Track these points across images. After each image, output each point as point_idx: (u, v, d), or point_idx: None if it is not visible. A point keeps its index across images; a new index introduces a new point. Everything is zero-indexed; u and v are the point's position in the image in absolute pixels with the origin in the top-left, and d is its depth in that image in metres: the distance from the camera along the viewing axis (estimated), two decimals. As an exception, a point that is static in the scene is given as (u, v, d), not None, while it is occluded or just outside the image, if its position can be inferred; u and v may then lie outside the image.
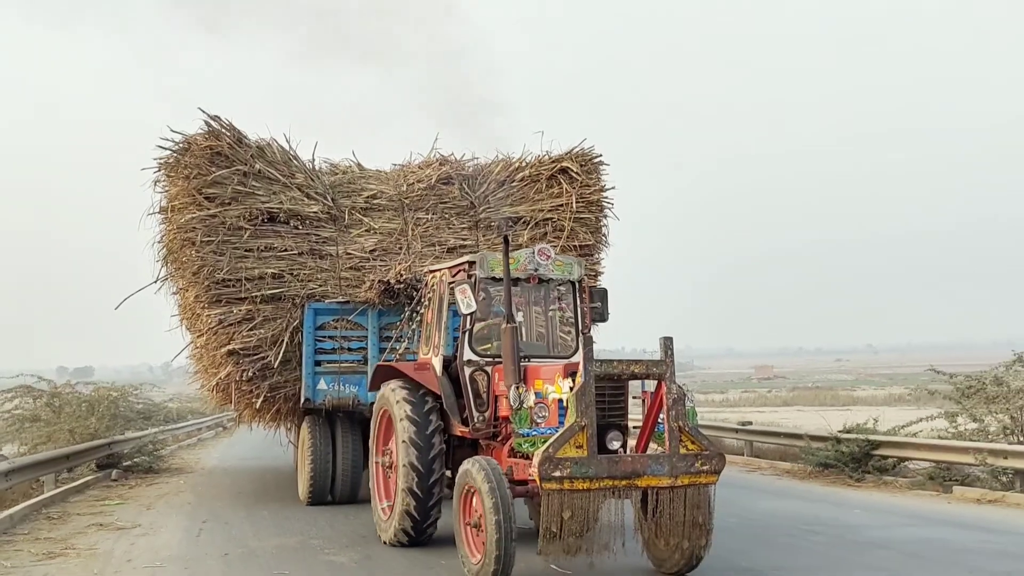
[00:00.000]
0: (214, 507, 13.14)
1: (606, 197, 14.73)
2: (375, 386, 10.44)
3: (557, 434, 7.41)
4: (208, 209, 12.94)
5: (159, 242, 15.05)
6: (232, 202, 13.05)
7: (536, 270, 9.29)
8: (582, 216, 14.37)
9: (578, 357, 9.42)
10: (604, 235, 14.72)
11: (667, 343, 7.74)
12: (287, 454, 16.71)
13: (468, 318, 9.15)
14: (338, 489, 13.24)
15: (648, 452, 7.85)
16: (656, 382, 7.80)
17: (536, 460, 7.30)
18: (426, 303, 10.42)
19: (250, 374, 12.95)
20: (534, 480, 7.98)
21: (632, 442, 8.30)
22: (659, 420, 7.84)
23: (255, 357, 12.95)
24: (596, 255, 14.59)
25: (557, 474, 7.24)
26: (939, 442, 14.05)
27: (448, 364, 9.65)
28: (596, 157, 14.79)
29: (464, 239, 14.05)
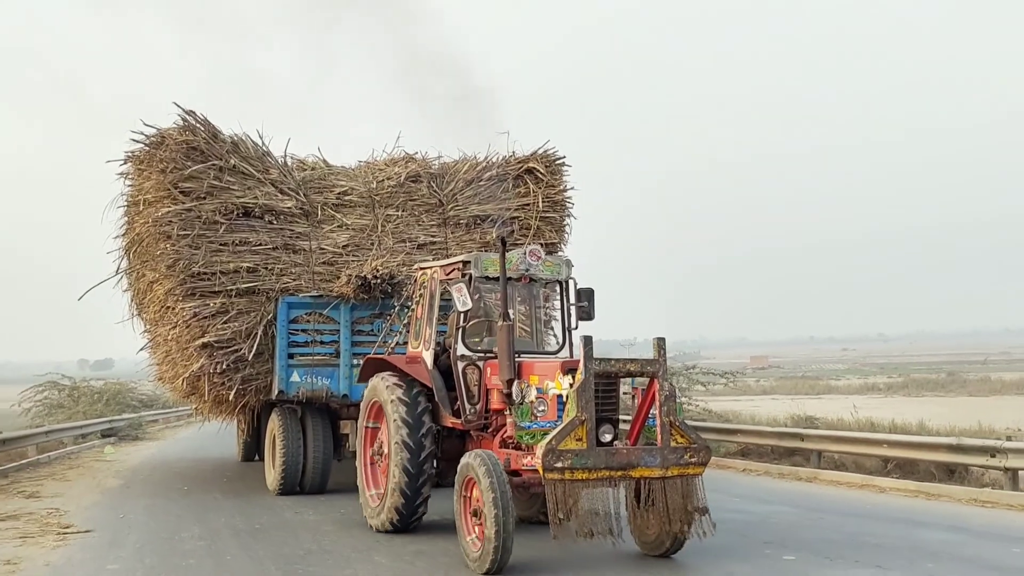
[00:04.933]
0: (167, 455, 20.16)
1: (569, 198, 15.26)
2: (364, 378, 10.72)
3: (559, 427, 7.84)
4: (184, 203, 13.03)
5: (123, 235, 15.11)
6: (207, 196, 13.16)
7: (527, 270, 9.70)
8: (547, 215, 14.86)
9: (565, 353, 9.96)
10: (567, 234, 15.24)
11: (660, 343, 8.24)
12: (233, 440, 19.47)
13: (462, 315, 9.53)
14: (308, 480, 13.45)
15: (639, 445, 8.32)
16: (648, 379, 8.28)
17: (539, 452, 7.74)
18: (416, 299, 10.74)
19: (223, 367, 13.04)
20: (529, 470, 8.47)
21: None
22: (650, 415, 8.33)
23: (229, 350, 13.06)
24: (559, 253, 15.07)
25: (559, 465, 7.69)
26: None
27: (437, 357, 10.01)
28: (560, 159, 15.30)
29: (433, 236, 14.38)
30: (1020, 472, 12.02)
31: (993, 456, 12.16)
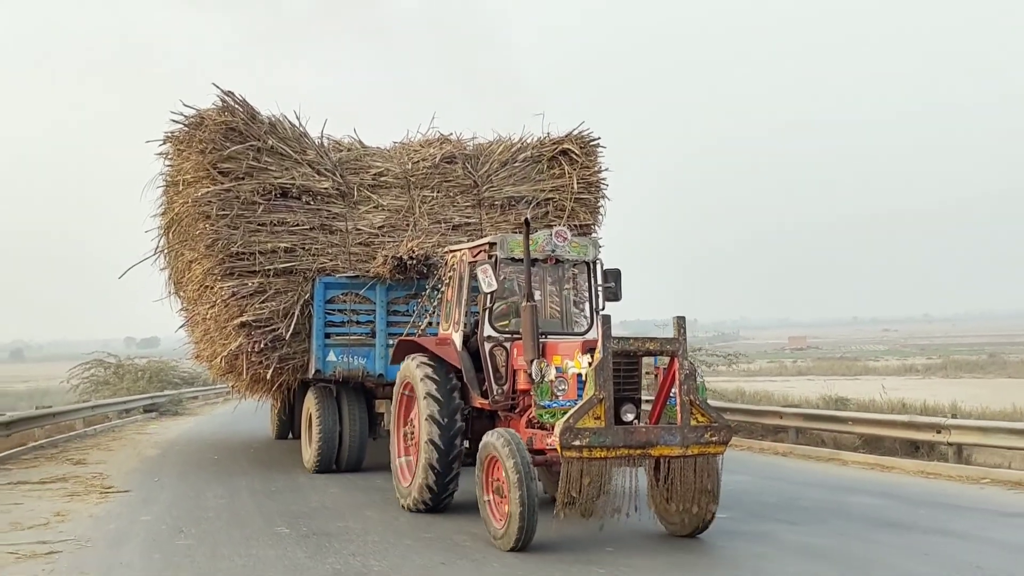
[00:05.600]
0: (202, 429, 21.47)
1: (603, 179, 15.26)
2: (397, 359, 10.85)
3: (577, 406, 7.91)
4: (223, 183, 13.25)
5: (161, 214, 15.39)
6: (246, 177, 13.35)
7: (553, 251, 9.74)
8: (582, 197, 14.88)
9: (593, 334, 10.01)
10: (601, 216, 15.26)
11: (680, 322, 8.27)
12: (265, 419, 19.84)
13: (489, 296, 9.62)
14: (344, 459, 13.67)
15: (660, 423, 8.36)
16: (669, 358, 8.32)
17: (557, 430, 7.81)
18: (446, 281, 10.85)
19: (261, 345, 13.25)
20: (552, 449, 8.54)
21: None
22: (671, 394, 8.36)
23: (267, 329, 13.27)
24: (593, 235, 15.08)
25: (577, 443, 7.76)
26: None
27: (467, 339, 10.12)
28: (595, 140, 15.30)
29: (468, 217, 14.47)
30: (963, 446, 12.90)
31: (939, 432, 13.01)
